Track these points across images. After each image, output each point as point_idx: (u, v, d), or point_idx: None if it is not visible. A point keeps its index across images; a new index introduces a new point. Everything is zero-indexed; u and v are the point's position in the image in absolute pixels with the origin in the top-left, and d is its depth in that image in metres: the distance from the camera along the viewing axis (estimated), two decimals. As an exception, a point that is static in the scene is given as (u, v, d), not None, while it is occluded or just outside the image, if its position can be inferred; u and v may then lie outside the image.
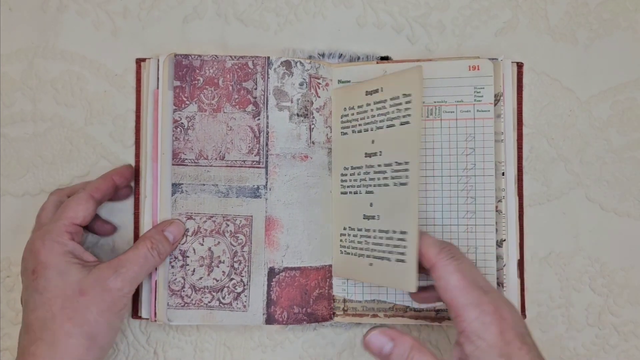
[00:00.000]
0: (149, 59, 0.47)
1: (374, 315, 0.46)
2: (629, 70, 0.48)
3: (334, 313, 0.46)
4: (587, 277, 0.47)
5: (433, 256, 0.38)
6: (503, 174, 0.45)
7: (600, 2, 0.49)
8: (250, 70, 0.46)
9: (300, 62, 0.46)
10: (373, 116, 0.44)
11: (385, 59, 0.48)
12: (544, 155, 0.48)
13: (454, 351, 0.38)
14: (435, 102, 0.46)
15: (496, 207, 0.45)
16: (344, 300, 0.46)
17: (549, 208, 0.48)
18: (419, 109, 0.41)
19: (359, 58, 0.48)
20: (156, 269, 0.45)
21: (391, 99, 0.43)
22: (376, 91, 0.44)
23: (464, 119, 0.45)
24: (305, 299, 0.45)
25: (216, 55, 0.46)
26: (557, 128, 0.48)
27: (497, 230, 0.45)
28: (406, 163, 0.41)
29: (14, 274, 0.48)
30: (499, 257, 0.45)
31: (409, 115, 0.41)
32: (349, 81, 0.47)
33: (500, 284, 0.45)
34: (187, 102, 0.45)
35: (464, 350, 0.36)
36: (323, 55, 0.48)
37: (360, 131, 0.45)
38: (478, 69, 0.45)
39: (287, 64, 0.46)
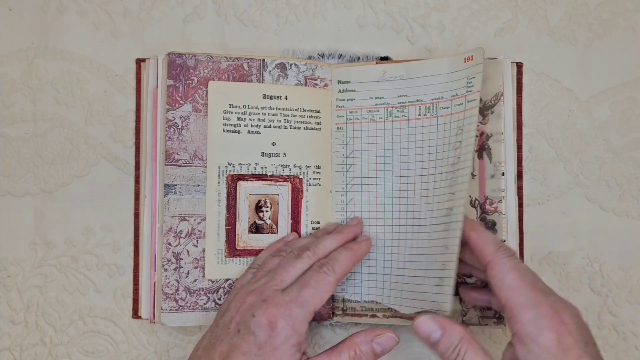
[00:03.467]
0: (149, 59, 0.47)
1: (373, 316, 0.46)
2: (628, 70, 0.48)
3: (333, 312, 0.46)
4: (587, 276, 0.48)
5: (490, 253, 0.37)
6: (503, 174, 0.45)
7: (600, 2, 0.49)
8: (245, 72, 0.46)
9: (295, 64, 0.46)
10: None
11: (385, 59, 0.48)
12: (544, 155, 0.48)
13: (506, 352, 0.36)
14: (432, 99, 0.46)
15: (496, 207, 0.45)
16: (343, 300, 0.46)
17: (549, 208, 0.48)
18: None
19: (358, 58, 0.48)
20: (155, 270, 0.45)
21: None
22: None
23: (457, 112, 0.44)
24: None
25: (211, 56, 0.46)
26: (557, 128, 0.48)
27: (497, 230, 0.45)
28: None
29: (14, 274, 0.48)
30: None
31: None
32: (348, 81, 0.47)
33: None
34: (181, 102, 0.45)
35: (515, 353, 0.35)
36: (323, 55, 0.48)
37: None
38: (472, 59, 0.44)
39: (282, 66, 0.46)
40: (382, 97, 0.47)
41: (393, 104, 0.46)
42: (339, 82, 0.47)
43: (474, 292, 0.43)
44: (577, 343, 0.34)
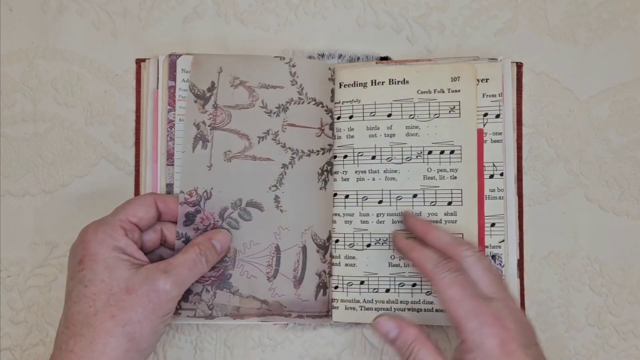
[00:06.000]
0: (149, 59, 0.47)
1: (373, 315, 0.46)
2: (628, 70, 0.48)
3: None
4: (587, 276, 0.48)
5: (430, 270, 0.39)
6: (502, 174, 0.45)
7: (600, 2, 0.49)
8: None
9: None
10: None
11: (385, 59, 0.48)
12: (544, 155, 0.48)
13: (454, 354, 0.38)
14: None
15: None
16: (343, 300, 0.46)
17: (549, 208, 0.48)
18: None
19: (358, 58, 0.48)
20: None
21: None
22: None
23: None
24: (304, 299, 0.46)
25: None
26: (557, 128, 0.48)
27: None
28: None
29: (14, 274, 0.48)
30: (496, 257, 0.44)
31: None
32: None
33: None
34: None
35: (463, 358, 0.37)
36: (323, 55, 0.48)
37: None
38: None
39: None
40: None
41: None
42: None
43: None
44: (520, 347, 0.36)
